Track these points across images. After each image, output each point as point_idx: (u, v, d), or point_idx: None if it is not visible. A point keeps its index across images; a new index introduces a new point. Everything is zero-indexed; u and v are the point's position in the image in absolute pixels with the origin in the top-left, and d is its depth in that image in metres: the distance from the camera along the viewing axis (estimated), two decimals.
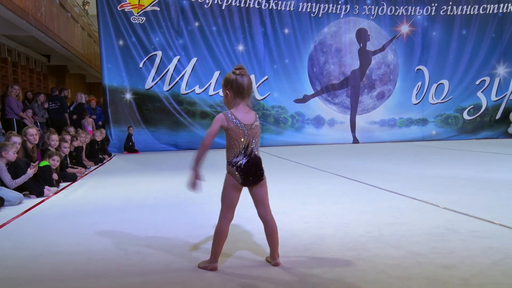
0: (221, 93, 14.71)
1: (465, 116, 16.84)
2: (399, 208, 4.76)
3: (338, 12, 15.80)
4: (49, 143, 7.72)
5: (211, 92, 14.70)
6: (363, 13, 16.00)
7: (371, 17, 16.08)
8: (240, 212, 3.85)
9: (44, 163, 6.69)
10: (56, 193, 6.44)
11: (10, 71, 13.84)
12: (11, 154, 6.01)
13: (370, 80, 16.26)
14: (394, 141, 15.91)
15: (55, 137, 7.78)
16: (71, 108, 12.87)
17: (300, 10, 15.44)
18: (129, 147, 13.52)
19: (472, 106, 16.85)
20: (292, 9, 15.36)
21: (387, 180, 6.63)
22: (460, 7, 16.45)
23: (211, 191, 6.19)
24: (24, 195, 6.03)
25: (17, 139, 6.41)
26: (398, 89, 16.44)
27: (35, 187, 6.19)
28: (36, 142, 7.29)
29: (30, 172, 6.10)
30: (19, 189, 5.97)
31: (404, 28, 16.30)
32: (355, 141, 16.03)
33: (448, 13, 16.42)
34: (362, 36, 16.06)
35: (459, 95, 16.71)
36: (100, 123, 13.55)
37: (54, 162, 6.96)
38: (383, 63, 16.33)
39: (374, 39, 16.18)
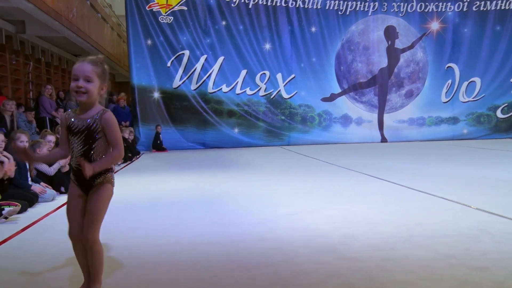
0: (248, 91, 14.83)
1: (499, 114, 16.35)
2: (429, 208, 4.68)
3: (366, 9, 15.59)
4: None
5: (238, 90, 14.74)
6: (391, 10, 15.74)
7: (400, 14, 15.81)
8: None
9: None
10: None
11: (44, 71, 14.22)
12: (45, 151, 6.19)
13: (398, 78, 16.00)
14: (424, 140, 15.59)
15: None
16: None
17: (327, 8, 15.32)
18: (157, 146, 13.71)
19: (506, 104, 16.33)
20: (319, 7, 15.25)
21: (416, 180, 6.51)
22: (494, 2, 15.96)
23: (236, 190, 6.23)
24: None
25: (51, 138, 6.60)
26: (427, 87, 16.11)
27: (68, 185, 6.34)
28: None
29: (62, 160, 6.27)
30: (54, 185, 6.14)
31: (434, 25, 15.96)
32: (383, 140, 15.81)
33: (481, 8, 15.97)
34: (390, 33, 15.81)
35: (491, 93, 16.24)
36: (128, 122, 13.71)
37: None
38: (411, 61, 16.04)
39: (402, 37, 15.90)
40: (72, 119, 2.47)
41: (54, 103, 11.07)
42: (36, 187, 5.65)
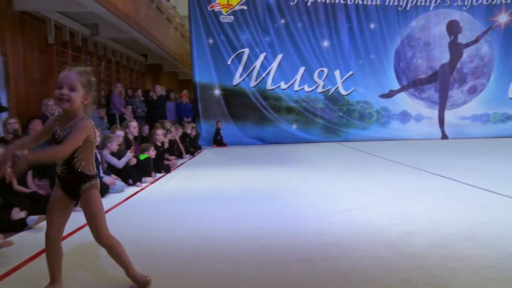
0: (306, 88, 14.86)
1: None
2: (494, 207, 4.56)
3: (427, 4, 15.15)
4: (155, 138, 8.36)
5: (296, 87, 14.84)
6: (455, 4, 15.17)
7: (464, 8, 15.21)
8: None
9: (144, 156, 7.26)
10: (152, 183, 6.93)
11: (114, 71, 15.00)
12: (115, 146, 6.64)
13: (461, 74, 15.42)
14: (488, 137, 14.92)
15: (160, 132, 8.48)
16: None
17: (386, 4, 15.04)
18: (217, 141, 14.11)
19: None
20: (378, 3, 15.00)
21: (479, 178, 6.30)
22: None
23: (294, 185, 6.34)
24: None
25: (120, 133, 7.06)
26: (493, 83, 15.41)
27: (136, 177, 6.75)
28: (137, 134, 7.96)
29: (129, 154, 6.69)
30: (123, 178, 6.55)
31: (502, 18, 15.21)
32: (444, 136, 15.32)
33: None
34: (453, 28, 15.25)
35: None
36: (189, 119, 14.16)
37: (154, 153, 7.54)
38: (475, 56, 15.40)
39: (466, 31, 15.29)
40: (57, 128, 2.48)
41: (123, 101, 11.67)
42: (107, 179, 6.04)
